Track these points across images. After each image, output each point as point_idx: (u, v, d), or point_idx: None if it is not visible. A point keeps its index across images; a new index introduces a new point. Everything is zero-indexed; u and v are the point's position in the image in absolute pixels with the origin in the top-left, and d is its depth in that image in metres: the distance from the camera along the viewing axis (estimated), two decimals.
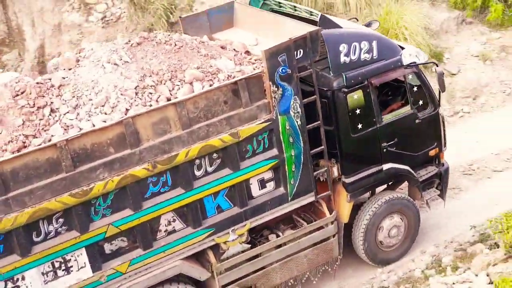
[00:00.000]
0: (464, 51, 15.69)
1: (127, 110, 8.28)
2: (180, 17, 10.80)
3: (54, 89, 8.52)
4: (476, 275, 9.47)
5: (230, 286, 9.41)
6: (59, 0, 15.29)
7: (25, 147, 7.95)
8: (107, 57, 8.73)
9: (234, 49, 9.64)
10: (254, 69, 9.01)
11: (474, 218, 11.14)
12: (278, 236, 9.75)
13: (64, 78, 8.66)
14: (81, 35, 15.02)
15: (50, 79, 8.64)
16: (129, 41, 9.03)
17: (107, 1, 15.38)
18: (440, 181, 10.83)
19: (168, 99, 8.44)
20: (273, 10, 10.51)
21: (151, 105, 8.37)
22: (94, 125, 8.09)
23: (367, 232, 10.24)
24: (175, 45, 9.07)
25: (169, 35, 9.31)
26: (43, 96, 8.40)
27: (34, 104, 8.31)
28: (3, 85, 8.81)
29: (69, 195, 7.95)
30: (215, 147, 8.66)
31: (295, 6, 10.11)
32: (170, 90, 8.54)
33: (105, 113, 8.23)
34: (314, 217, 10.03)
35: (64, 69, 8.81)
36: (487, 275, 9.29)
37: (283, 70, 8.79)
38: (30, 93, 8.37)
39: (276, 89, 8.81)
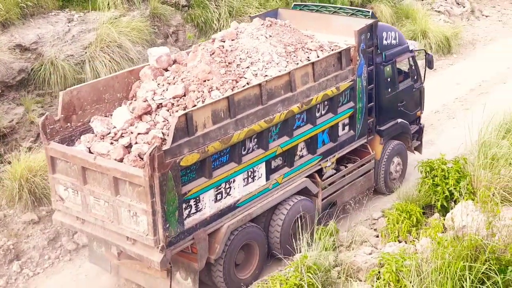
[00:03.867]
0: None
1: (285, 66, 11.92)
2: (249, 16, 14.48)
3: (228, 52, 11.88)
4: None
5: (324, 200, 13.14)
6: None
7: (233, 87, 11.22)
8: (257, 32, 12.30)
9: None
10: (338, 46, 13.10)
11: None
12: (346, 167, 13.74)
13: (230, 45, 12.03)
14: None
15: (223, 46, 11.96)
16: (263, 23, 12.67)
17: None
18: (419, 135, 15.67)
19: (307, 60, 12.25)
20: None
21: (297, 64, 12.09)
22: (272, 75, 11.58)
23: (386, 164, 14.56)
24: (291, 27, 12.91)
25: (281, 21, 13.12)
26: (227, 56, 11.72)
27: (225, 61, 11.59)
28: (165, 54, 11.94)
29: (264, 121, 11.30)
30: (328, 96, 12.53)
31: (340, 8, 14.39)
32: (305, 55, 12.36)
33: (274, 67, 11.78)
34: (355, 158, 14.15)
35: (228, 40, 12.16)
36: None
37: (362, 46, 13.05)
38: (219, 54, 11.64)
39: (358, 58, 13.01)
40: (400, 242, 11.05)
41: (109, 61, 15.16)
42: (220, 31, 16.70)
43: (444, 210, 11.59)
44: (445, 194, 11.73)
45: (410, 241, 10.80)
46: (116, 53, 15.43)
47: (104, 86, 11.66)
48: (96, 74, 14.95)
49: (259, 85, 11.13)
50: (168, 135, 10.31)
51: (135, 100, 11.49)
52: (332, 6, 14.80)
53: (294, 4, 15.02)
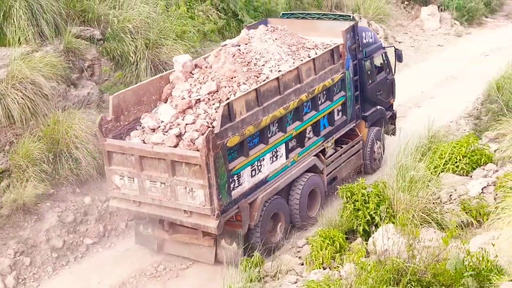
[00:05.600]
0: None
1: (293, 63, 14.26)
2: (245, 26, 16.77)
3: (245, 53, 14.15)
4: None
5: (328, 176, 15.46)
6: None
7: (257, 82, 13.47)
8: (264, 37, 14.62)
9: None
10: (329, 45, 15.53)
11: None
12: (341, 147, 16.12)
13: (245, 48, 14.31)
14: None
15: (239, 49, 14.22)
16: (267, 29, 15.00)
17: None
18: (393, 120, 18.25)
19: (308, 57, 14.62)
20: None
21: (302, 60, 14.44)
22: (285, 70, 13.88)
23: (371, 146, 17.02)
24: (289, 31, 15.29)
25: (281, 26, 15.48)
26: (245, 57, 13.98)
27: (245, 61, 13.85)
28: (189, 60, 14.14)
29: (283, 109, 13.56)
30: (326, 86, 14.89)
31: (324, 14, 16.85)
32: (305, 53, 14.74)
33: (284, 64, 14.10)
34: (347, 140, 16.55)
35: (243, 44, 14.43)
36: None
37: (348, 43, 15.52)
38: (239, 55, 13.89)
39: (346, 54, 15.47)
40: (324, 268, 10.98)
41: (22, 98, 14.45)
42: (137, 64, 17.26)
43: (367, 235, 11.61)
44: (367, 218, 11.76)
45: (334, 267, 10.75)
46: (29, 89, 14.66)
47: (143, 90, 13.70)
48: (8, 112, 14.39)
49: (277, 78, 13.38)
50: (211, 123, 12.48)
51: (171, 100, 13.56)
52: (315, 12, 17.25)
53: (282, 13, 17.42)
